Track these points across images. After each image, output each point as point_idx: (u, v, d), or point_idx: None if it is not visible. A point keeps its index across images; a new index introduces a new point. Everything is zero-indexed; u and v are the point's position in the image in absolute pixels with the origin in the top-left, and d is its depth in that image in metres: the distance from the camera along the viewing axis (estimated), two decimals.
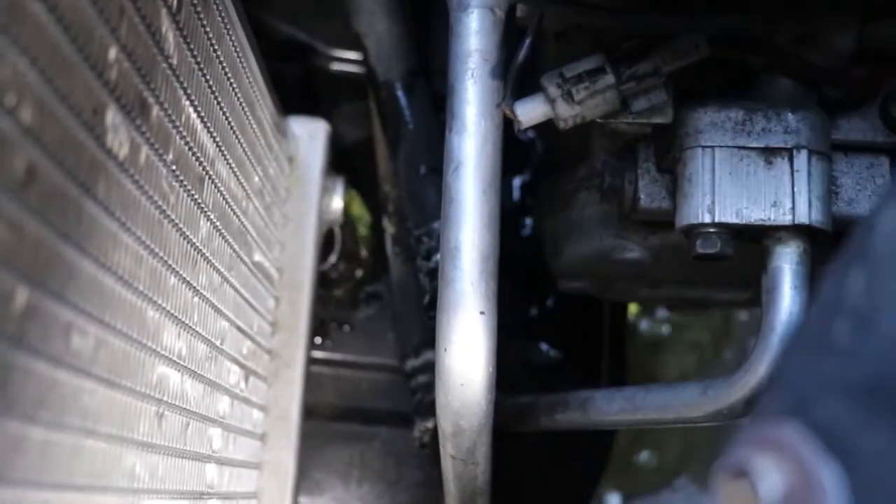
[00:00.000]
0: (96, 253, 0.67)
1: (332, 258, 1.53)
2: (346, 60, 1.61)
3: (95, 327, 0.68)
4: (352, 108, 1.61)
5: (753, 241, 0.98)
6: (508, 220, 1.60)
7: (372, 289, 1.61)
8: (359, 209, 1.57)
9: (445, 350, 0.92)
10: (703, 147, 0.97)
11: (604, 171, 1.06)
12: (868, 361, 0.39)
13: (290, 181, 1.35)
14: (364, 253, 1.59)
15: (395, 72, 1.34)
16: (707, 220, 0.97)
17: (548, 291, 1.55)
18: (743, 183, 0.97)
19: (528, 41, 0.92)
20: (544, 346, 1.62)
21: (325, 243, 1.49)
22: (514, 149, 1.22)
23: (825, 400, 0.40)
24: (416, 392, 1.39)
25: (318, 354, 1.57)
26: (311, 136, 1.37)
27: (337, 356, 1.60)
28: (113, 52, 0.67)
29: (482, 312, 0.92)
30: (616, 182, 1.05)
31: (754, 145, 0.97)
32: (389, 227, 1.45)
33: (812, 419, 0.40)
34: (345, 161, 1.54)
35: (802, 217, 0.95)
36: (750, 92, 1.02)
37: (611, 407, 1.10)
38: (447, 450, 0.98)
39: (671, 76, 0.97)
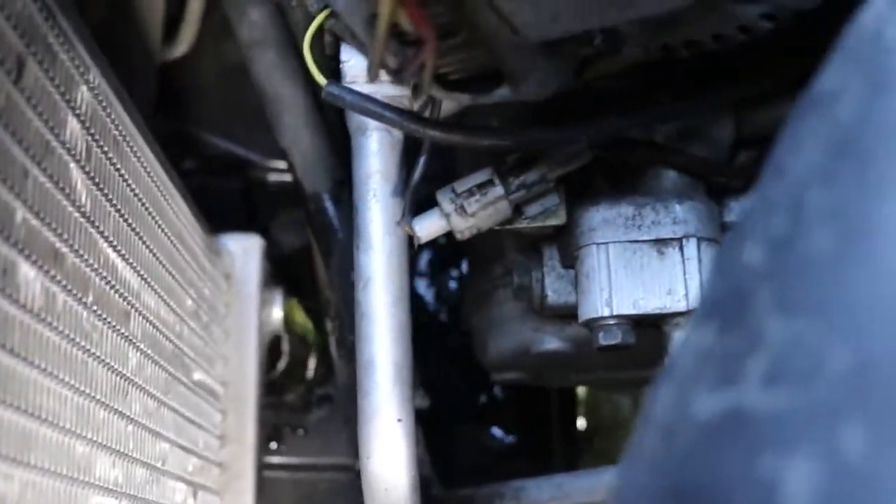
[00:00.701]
0: (16, 401, 0.72)
1: (281, 366, 1.57)
2: (281, 171, 1.67)
3: (20, 470, 0.72)
4: (290, 217, 1.66)
5: (654, 328, 1.03)
6: (451, 312, 1.65)
7: (323, 391, 1.65)
8: (300, 316, 1.62)
9: (368, 458, 0.97)
10: (598, 244, 1.03)
11: (513, 270, 1.12)
12: (670, 470, 0.44)
13: (229, 297, 1.39)
14: (311, 358, 1.64)
15: (322, 184, 1.39)
16: (606, 313, 1.02)
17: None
18: (637, 275, 1.02)
19: (422, 159, 0.97)
20: (497, 433, 1.66)
21: (273, 351, 1.54)
22: (450, 242, 1.27)
23: None
24: None
25: (274, 460, 1.61)
26: (245, 251, 1.42)
27: (293, 460, 1.64)
28: (20, 215, 0.72)
29: (399, 420, 0.97)
30: (524, 281, 1.11)
31: (645, 238, 1.03)
32: (332, 331, 1.50)
33: None
34: (286, 268, 1.59)
35: (696, 302, 1.01)
36: (639, 186, 1.08)
37: (541, 495, 1.15)
38: None
39: (561, 179, 1.02)
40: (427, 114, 0.94)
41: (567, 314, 1.12)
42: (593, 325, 1.03)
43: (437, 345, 1.65)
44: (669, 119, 1.05)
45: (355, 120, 1.02)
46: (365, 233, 1.00)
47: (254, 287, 1.41)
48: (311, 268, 1.52)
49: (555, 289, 1.10)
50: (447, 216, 0.98)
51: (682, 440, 0.44)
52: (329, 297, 1.47)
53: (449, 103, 0.96)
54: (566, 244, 1.07)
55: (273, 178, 1.70)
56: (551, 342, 1.20)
